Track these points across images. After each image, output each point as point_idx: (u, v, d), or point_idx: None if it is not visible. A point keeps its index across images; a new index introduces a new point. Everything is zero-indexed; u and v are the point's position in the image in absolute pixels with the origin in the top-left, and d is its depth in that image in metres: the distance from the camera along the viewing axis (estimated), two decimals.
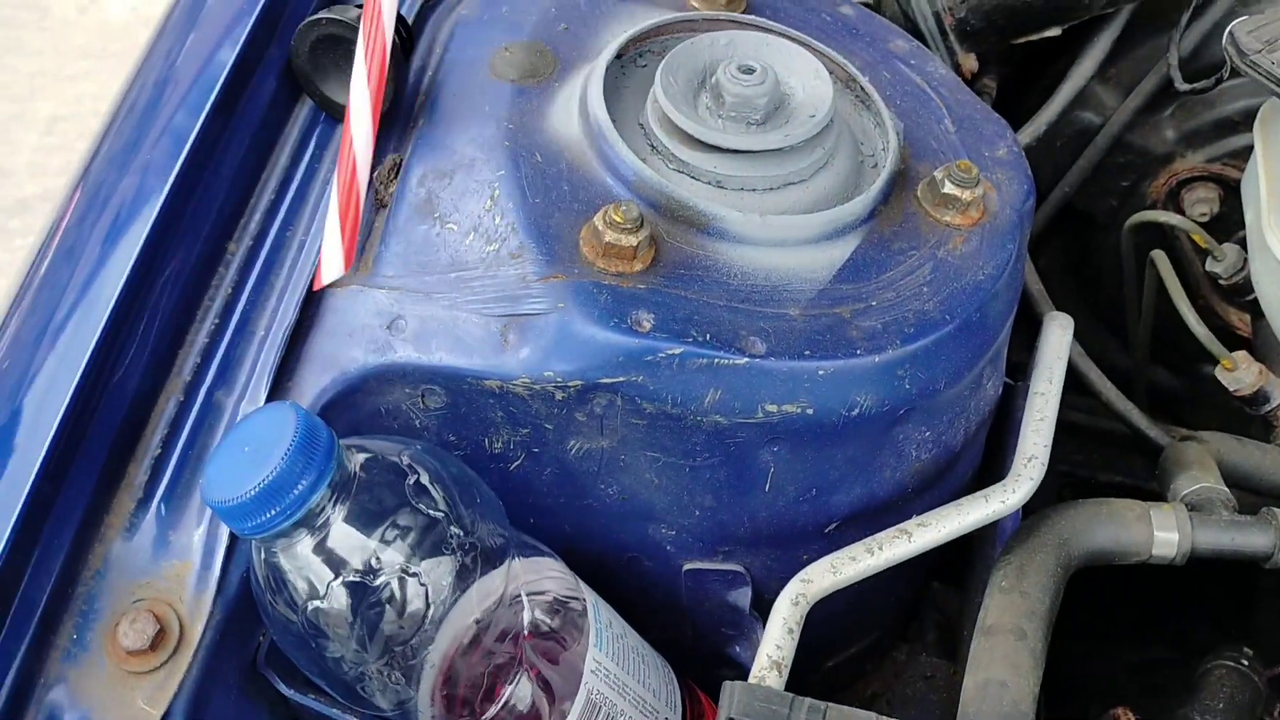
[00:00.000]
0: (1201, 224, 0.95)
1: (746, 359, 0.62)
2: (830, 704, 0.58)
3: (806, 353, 0.63)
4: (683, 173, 0.68)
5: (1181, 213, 0.98)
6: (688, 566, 0.71)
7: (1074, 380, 0.91)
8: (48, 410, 0.60)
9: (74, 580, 0.58)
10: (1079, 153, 1.00)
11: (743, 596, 0.72)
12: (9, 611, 0.57)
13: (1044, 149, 0.99)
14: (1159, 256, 0.91)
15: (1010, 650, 0.63)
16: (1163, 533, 0.70)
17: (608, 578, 0.72)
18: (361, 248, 0.70)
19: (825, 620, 0.66)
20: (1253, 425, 0.89)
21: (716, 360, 0.62)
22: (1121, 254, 0.99)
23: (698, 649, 0.77)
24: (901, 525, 0.67)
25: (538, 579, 0.67)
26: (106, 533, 0.59)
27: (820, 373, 0.63)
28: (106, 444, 0.61)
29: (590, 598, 0.68)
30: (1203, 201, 0.97)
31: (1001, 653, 0.62)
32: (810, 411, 0.63)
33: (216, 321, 0.68)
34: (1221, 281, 0.90)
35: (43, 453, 0.59)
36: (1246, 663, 0.83)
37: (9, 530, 0.57)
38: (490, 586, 0.63)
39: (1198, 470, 0.76)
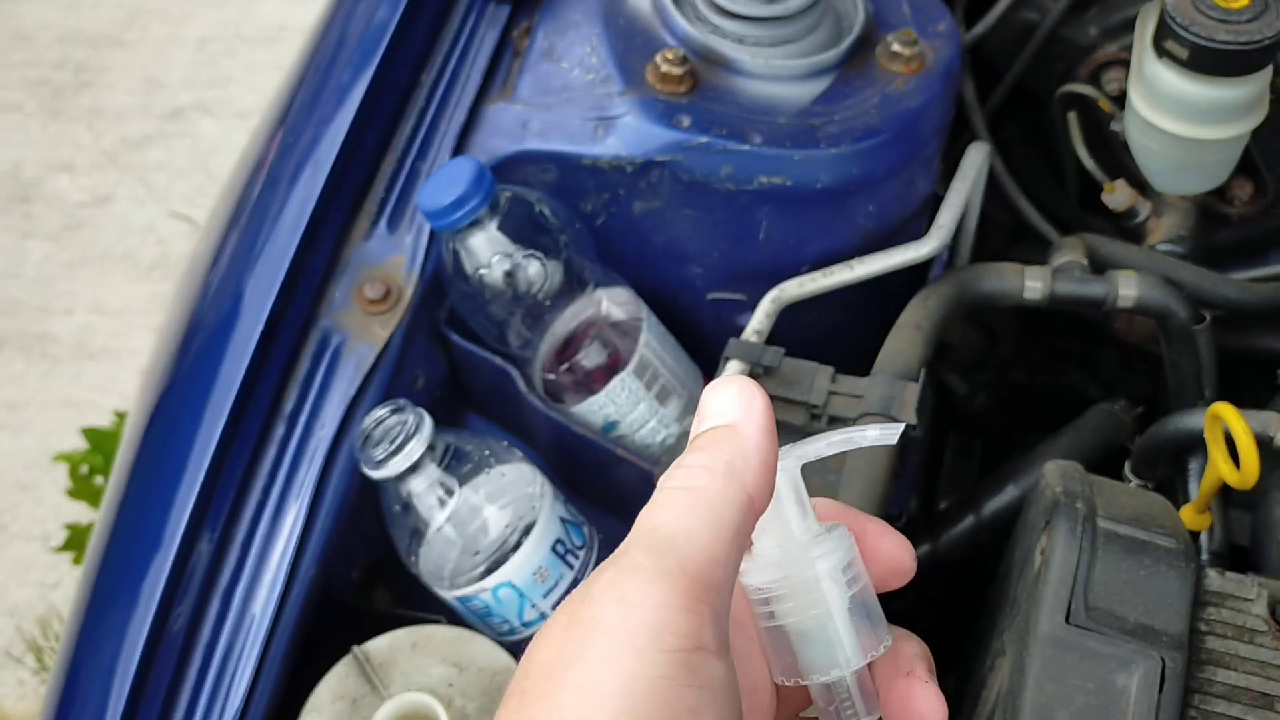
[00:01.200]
0: (1112, 97, 1.28)
1: (749, 146, 0.98)
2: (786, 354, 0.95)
3: (788, 144, 0.99)
4: (715, 32, 1.04)
5: (1100, 89, 1.31)
6: (710, 296, 1.08)
7: (999, 197, 1.25)
8: (320, 169, 0.99)
9: (336, 263, 0.97)
10: (1024, 44, 1.33)
11: (746, 318, 1.08)
12: (296, 287, 0.96)
13: (998, 41, 1.32)
14: (1071, 116, 1.25)
15: (910, 336, 0.98)
16: (1032, 282, 1.05)
17: (658, 311, 1.09)
18: (504, 81, 1.07)
19: (802, 348, 1.02)
20: (1132, 238, 1.22)
21: (729, 147, 0.98)
22: (1055, 121, 1.33)
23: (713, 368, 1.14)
24: (848, 261, 1.03)
25: (613, 301, 1.05)
26: (354, 237, 0.98)
27: (797, 158, 0.99)
28: (354, 189, 1.00)
29: (645, 311, 1.05)
30: (1114, 80, 1.30)
31: (904, 337, 0.98)
32: (790, 183, 0.99)
33: (414, 122, 1.06)
34: (1122, 138, 1.24)
35: (317, 191, 0.97)
36: (1118, 407, 1.18)
37: (298, 236, 0.96)
38: (583, 302, 1.01)
39: (1069, 251, 1.10)
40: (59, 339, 2.55)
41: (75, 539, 1.99)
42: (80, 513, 2.05)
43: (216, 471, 0.89)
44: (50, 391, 2.46)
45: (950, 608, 1.24)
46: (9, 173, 2.86)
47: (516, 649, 0.92)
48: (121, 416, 2.07)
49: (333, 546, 0.90)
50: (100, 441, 2.03)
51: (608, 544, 0.99)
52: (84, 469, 2.02)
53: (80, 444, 2.07)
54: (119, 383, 2.46)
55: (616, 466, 1.02)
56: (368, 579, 0.96)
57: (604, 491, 1.05)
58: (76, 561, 1.97)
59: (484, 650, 0.83)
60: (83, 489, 2.00)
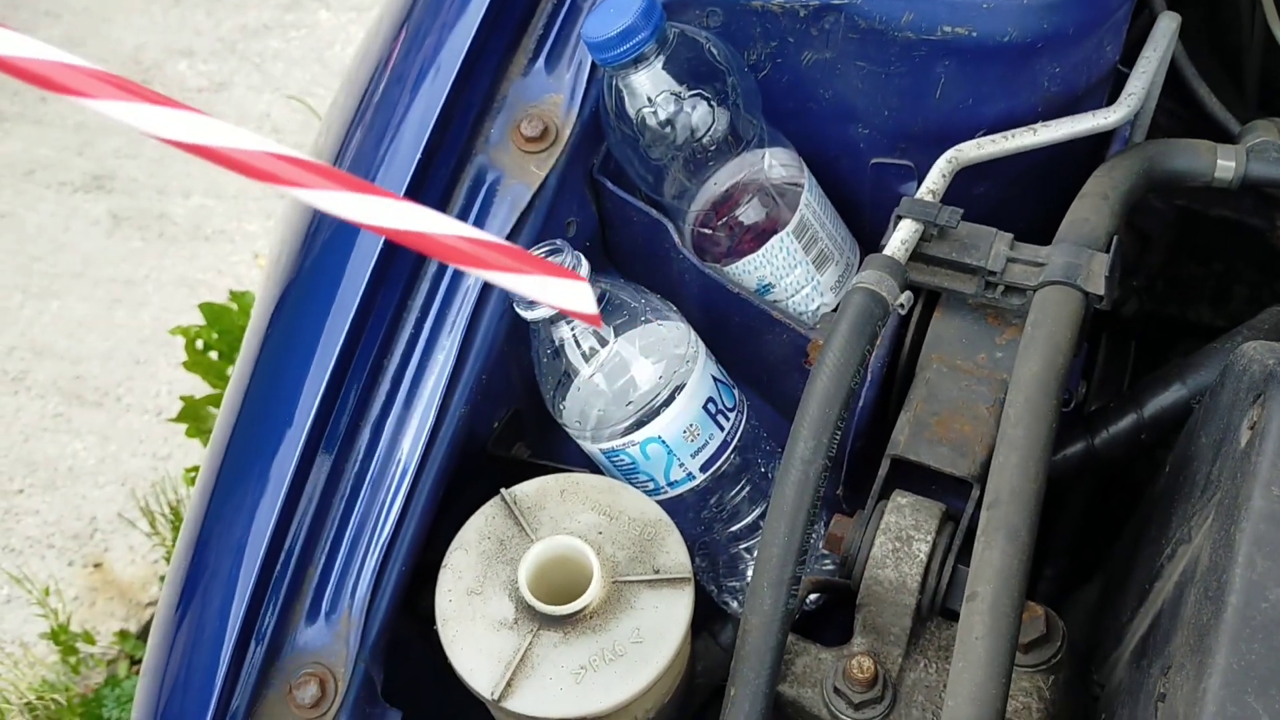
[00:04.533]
0: None
1: None
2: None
3: None
4: None
5: None
6: (875, 161, 1.02)
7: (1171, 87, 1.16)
8: (477, 3, 0.94)
9: (493, 99, 0.93)
10: None
11: (910, 188, 1.02)
12: (451, 122, 0.92)
13: None
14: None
15: (1095, 205, 0.92)
16: (1225, 160, 0.98)
17: (817, 175, 1.04)
18: None
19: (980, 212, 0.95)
20: None
21: None
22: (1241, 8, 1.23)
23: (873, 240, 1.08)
24: (1030, 125, 0.96)
25: (776, 161, 0.99)
26: (511, 74, 0.94)
27: (985, 6, 0.92)
28: (512, 24, 0.95)
29: (807, 173, 1.00)
30: None
31: (1090, 205, 0.91)
32: (974, 34, 0.92)
33: None
34: None
35: (474, 26, 0.93)
36: None
37: (454, 72, 0.92)
38: (747, 160, 0.95)
39: (1262, 131, 1.02)
40: (176, 219, 2.57)
41: (189, 411, 2.00)
42: (194, 385, 2.07)
43: (368, 308, 0.86)
44: (166, 270, 2.48)
45: (1092, 517, 1.19)
46: (130, 55, 2.87)
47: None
48: (236, 296, 2.08)
49: (481, 389, 0.87)
50: (217, 317, 2.03)
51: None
52: (199, 343, 2.03)
53: (196, 320, 2.08)
54: (233, 264, 2.47)
55: (768, 332, 0.97)
56: (508, 433, 0.93)
57: (751, 362, 1.01)
58: (190, 434, 1.99)
59: (634, 501, 0.80)
60: (198, 362, 2.01)
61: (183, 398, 2.03)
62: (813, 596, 0.99)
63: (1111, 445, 1.05)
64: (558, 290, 0.56)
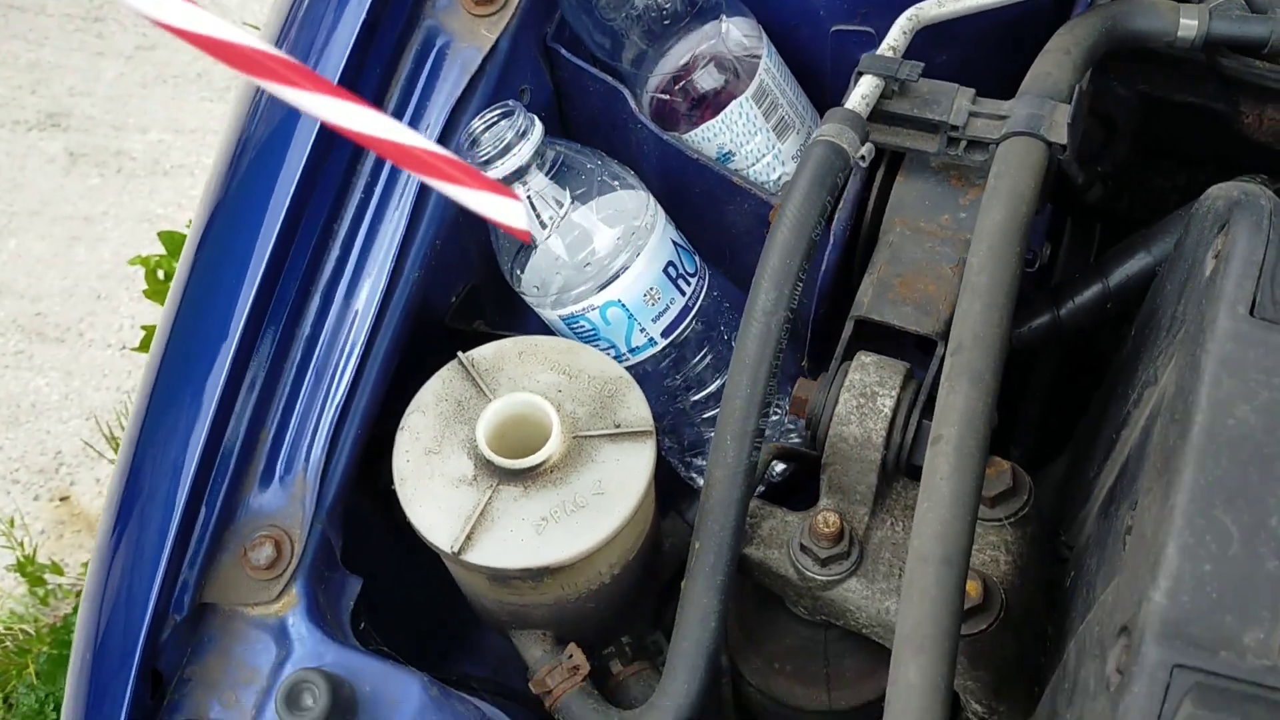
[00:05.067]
0: None
1: None
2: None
3: None
4: None
5: None
6: (835, 28, 1.00)
7: None
8: None
9: None
10: None
11: None
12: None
13: None
14: None
15: (1058, 59, 0.90)
16: (1187, 20, 0.96)
17: (777, 44, 1.01)
18: None
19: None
20: None
21: None
22: None
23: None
24: None
25: (736, 29, 0.97)
26: None
27: None
28: None
29: (766, 40, 0.98)
30: None
31: (1052, 59, 0.90)
32: None
33: None
34: None
35: None
36: (1259, 180, 1.09)
37: None
38: (706, 30, 0.93)
39: None
40: (134, 155, 2.52)
41: (151, 340, 1.97)
42: (156, 315, 2.04)
43: (313, 176, 0.84)
44: (125, 206, 2.43)
45: (1059, 392, 1.18)
46: None
47: None
48: None
49: (436, 255, 0.85)
50: (177, 245, 2.00)
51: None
52: (160, 273, 2.00)
53: (157, 251, 2.04)
54: (194, 198, 2.42)
55: (730, 201, 0.95)
56: (467, 307, 0.91)
57: (714, 233, 0.99)
58: None
59: (594, 359, 0.78)
60: (158, 291, 1.97)
61: (144, 327, 2.00)
62: (779, 468, 0.99)
63: (1077, 315, 1.04)
64: (493, 204, 0.56)
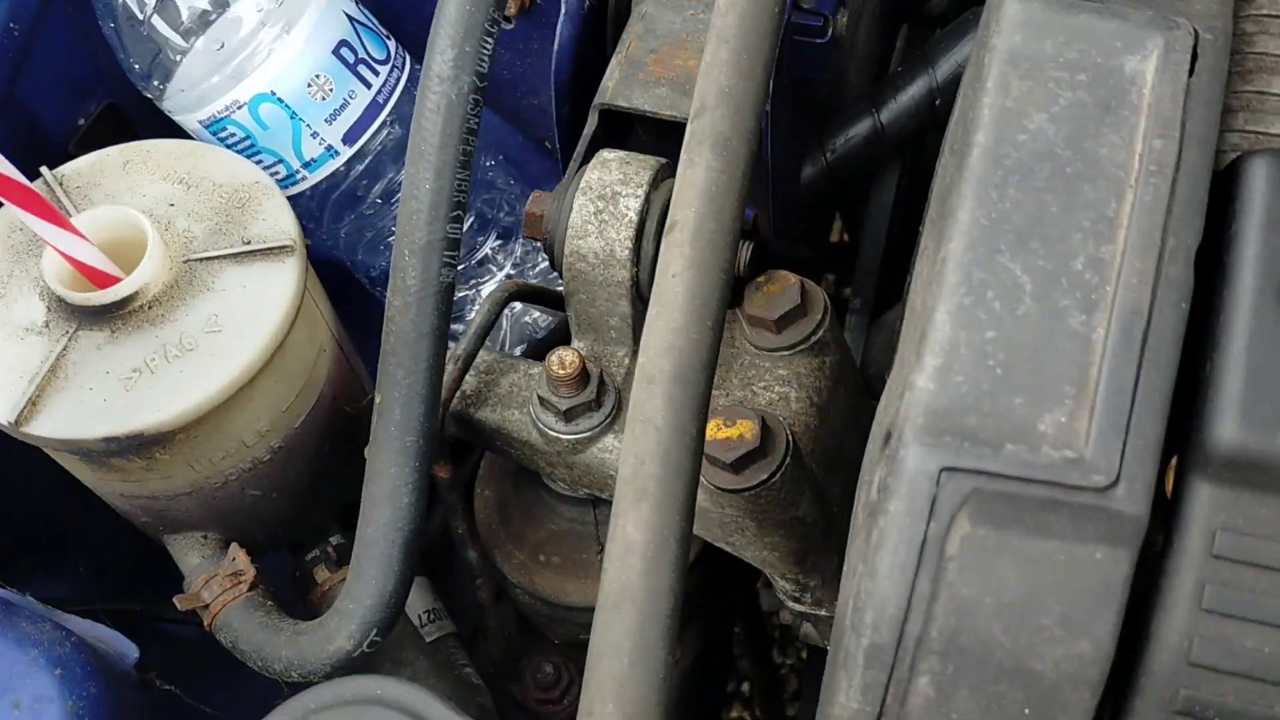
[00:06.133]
0: None
1: None
2: None
3: None
4: None
5: None
6: None
7: None
8: None
9: None
10: None
11: None
12: None
13: None
14: None
15: None
16: None
17: None
18: None
19: None
20: None
21: None
22: None
23: None
24: None
25: None
26: None
27: None
28: None
29: None
30: None
31: None
32: None
33: None
34: None
35: None
36: None
37: None
38: None
39: None
40: None
41: None
42: None
43: None
44: None
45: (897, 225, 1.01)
46: None
47: (303, 203, 0.68)
48: None
49: (56, 79, 0.65)
50: None
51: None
52: None
53: None
54: None
55: None
56: (102, 131, 0.71)
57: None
58: None
59: (223, 164, 0.59)
60: None
61: None
62: (543, 321, 0.80)
63: (901, 119, 0.86)
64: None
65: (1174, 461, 0.42)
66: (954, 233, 0.44)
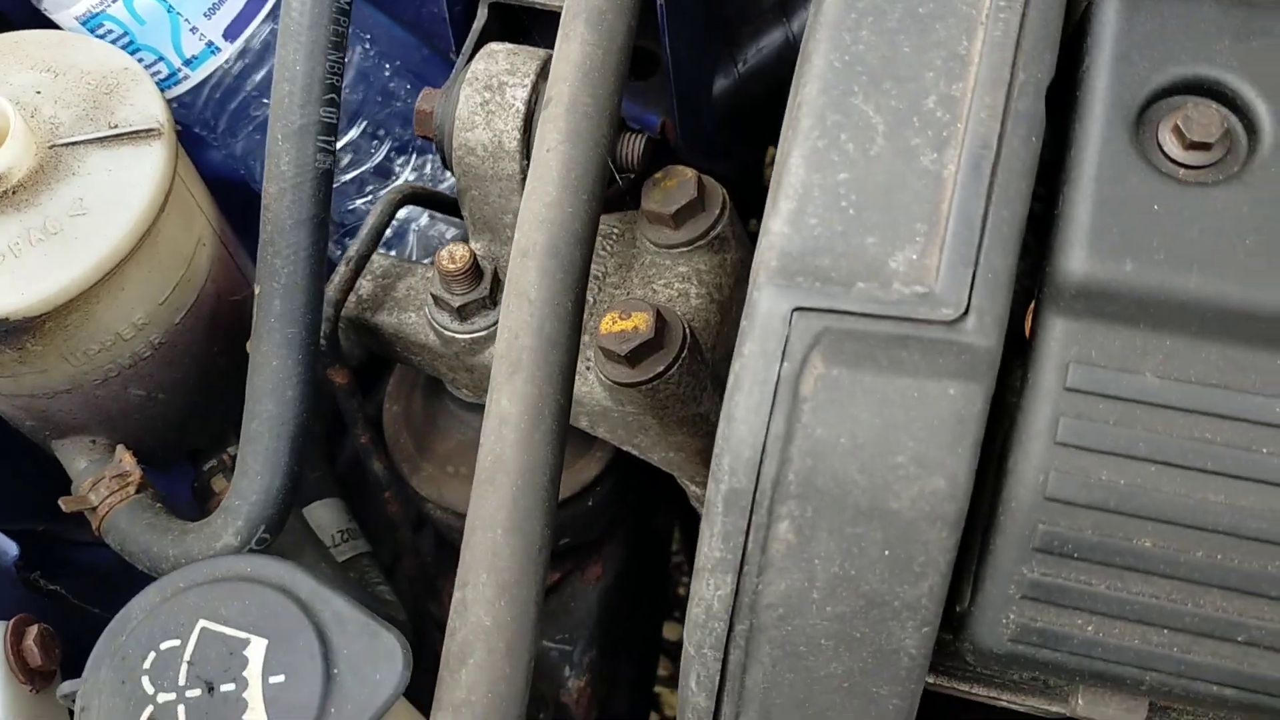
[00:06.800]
0: None
1: None
2: None
3: None
4: None
5: None
6: None
7: None
8: None
9: None
10: None
11: None
12: None
13: None
14: None
15: None
16: None
17: None
18: None
19: None
20: None
21: None
22: None
23: None
24: None
25: None
26: None
27: None
28: None
29: None
30: None
31: None
32: None
33: None
34: None
35: None
36: None
37: None
38: None
39: None
40: None
41: None
42: None
43: None
44: None
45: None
46: None
47: (186, 102, 0.66)
48: None
49: None
50: None
51: None
52: None
53: None
54: None
55: None
56: None
57: None
58: None
59: (91, 52, 0.58)
60: None
61: None
62: (449, 234, 0.79)
63: (759, 69, 0.85)
64: None
65: (1033, 304, 0.42)
66: (808, 77, 0.43)
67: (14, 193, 0.53)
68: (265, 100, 0.70)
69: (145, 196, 0.53)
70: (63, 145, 0.54)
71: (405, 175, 0.75)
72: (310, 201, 0.57)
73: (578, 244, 0.51)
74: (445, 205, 0.71)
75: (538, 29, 0.72)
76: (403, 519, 0.75)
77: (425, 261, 0.69)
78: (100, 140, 0.54)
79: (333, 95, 0.57)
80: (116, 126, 0.55)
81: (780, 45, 0.85)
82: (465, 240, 0.80)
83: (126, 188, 0.53)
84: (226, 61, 0.66)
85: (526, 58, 0.64)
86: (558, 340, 0.50)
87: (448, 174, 0.81)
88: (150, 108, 0.56)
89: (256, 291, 0.57)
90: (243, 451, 0.58)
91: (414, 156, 0.77)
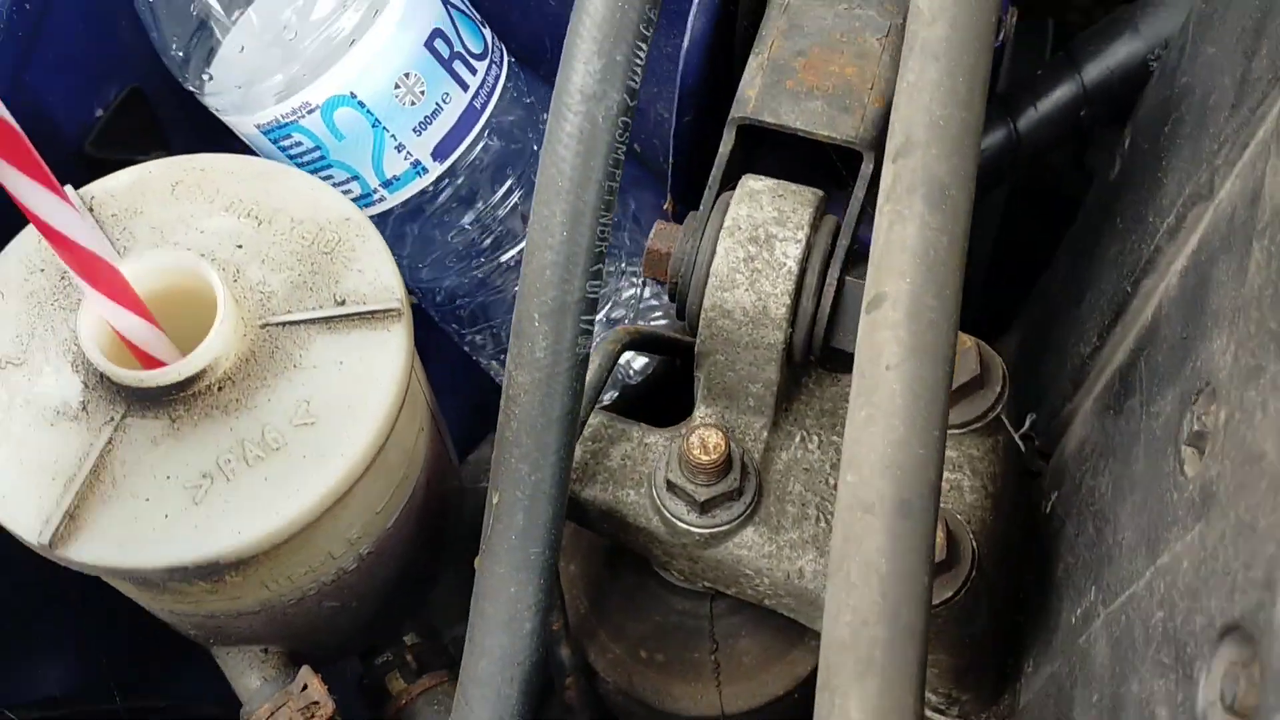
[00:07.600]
0: None
1: None
2: None
3: None
4: None
5: None
6: None
7: None
8: None
9: None
10: None
11: None
12: None
13: None
14: None
15: None
16: None
17: None
18: None
19: None
20: None
21: None
22: None
23: None
24: None
25: None
26: None
27: None
28: None
29: None
30: None
31: None
32: None
33: None
34: None
35: None
36: None
37: None
38: None
39: None
40: None
41: None
42: None
43: None
44: None
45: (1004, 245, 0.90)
46: None
47: (379, 223, 0.55)
48: None
49: (71, 62, 0.52)
50: None
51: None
52: None
53: None
54: None
55: None
56: (126, 123, 0.58)
57: (527, 16, 0.67)
58: None
59: (300, 191, 0.46)
60: None
61: None
62: (637, 363, 0.69)
63: (1041, 128, 0.76)
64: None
65: None
66: None
67: (220, 389, 0.42)
68: (448, 219, 0.59)
69: (385, 400, 0.42)
70: (278, 325, 0.43)
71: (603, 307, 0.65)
72: (565, 394, 0.46)
73: (931, 495, 0.41)
74: (665, 348, 0.60)
75: (772, 145, 0.61)
76: (581, 707, 0.64)
77: (641, 425, 0.58)
78: (325, 320, 0.43)
79: (599, 266, 0.46)
80: (343, 302, 0.44)
81: (1070, 98, 0.75)
82: (655, 373, 0.70)
83: (363, 387, 0.42)
84: (432, 184, 0.55)
85: (795, 202, 0.54)
86: (915, 630, 0.39)
87: (650, 296, 0.70)
88: (383, 276, 0.45)
89: (493, 500, 0.46)
90: (466, 691, 0.47)
91: (609, 278, 0.66)
